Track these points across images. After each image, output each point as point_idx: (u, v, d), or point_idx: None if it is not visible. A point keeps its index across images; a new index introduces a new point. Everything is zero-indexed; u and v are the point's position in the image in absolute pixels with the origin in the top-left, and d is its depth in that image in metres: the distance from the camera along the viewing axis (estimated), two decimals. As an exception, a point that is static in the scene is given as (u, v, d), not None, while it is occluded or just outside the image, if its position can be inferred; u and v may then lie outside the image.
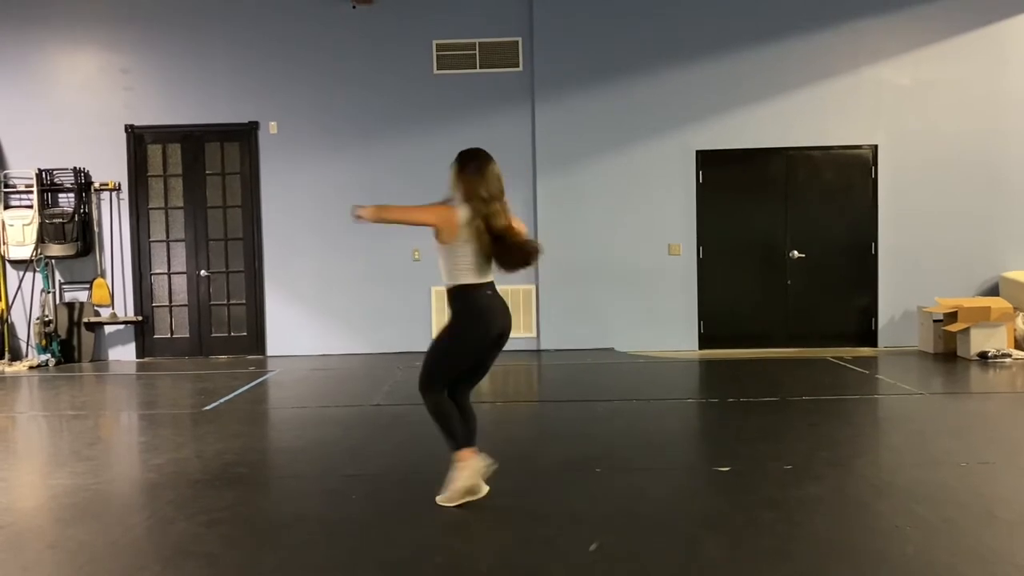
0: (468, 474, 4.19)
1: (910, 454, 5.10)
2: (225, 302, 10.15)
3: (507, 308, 4.23)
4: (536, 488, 4.51)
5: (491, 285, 4.19)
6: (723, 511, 4.07)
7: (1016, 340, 8.82)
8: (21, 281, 9.92)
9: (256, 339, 10.13)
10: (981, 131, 9.63)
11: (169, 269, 10.14)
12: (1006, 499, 4.16)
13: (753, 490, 4.35)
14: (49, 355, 9.62)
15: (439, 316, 9.83)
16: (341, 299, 10.00)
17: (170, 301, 10.16)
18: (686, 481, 4.65)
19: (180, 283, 10.16)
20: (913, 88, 9.67)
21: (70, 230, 9.81)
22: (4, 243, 9.87)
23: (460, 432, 4.21)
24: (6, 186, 9.96)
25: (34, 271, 9.83)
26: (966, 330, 8.69)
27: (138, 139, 10.05)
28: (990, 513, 3.94)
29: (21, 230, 9.86)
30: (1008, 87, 9.63)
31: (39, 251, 9.73)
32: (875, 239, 9.75)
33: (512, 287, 9.63)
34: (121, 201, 10.06)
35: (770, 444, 5.28)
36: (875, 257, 9.76)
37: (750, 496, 4.25)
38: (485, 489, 4.26)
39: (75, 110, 9.99)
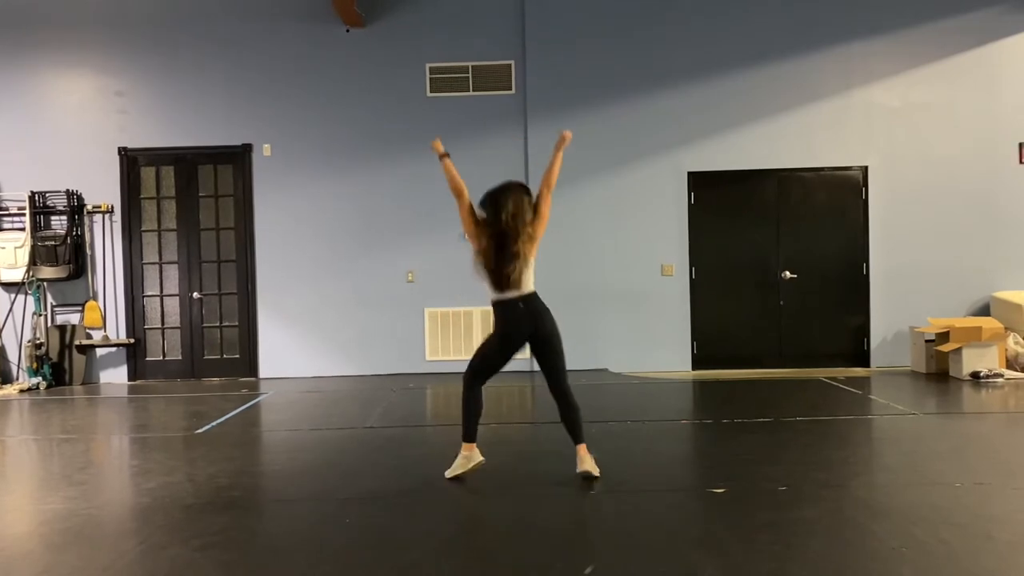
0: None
1: (905, 475, 5.10)
2: (218, 324, 10.13)
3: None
4: (530, 509, 4.49)
5: None
6: (719, 533, 4.05)
7: (1008, 360, 8.85)
8: (12, 304, 9.88)
9: (249, 361, 10.10)
10: (972, 152, 9.72)
11: (161, 291, 10.12)
12: (1002, 520, 4.15)
13: (749, 512, 4.33)
14: (40, 378, 9.56)
15: (432, 338, 9.82)
16: (334, 321, 9.99)
17: (162, 323, 10.14)
18: (681, 503, 4.63)
19: (172, 305, 10.13)
20: (904, 110, 9.76)
21: (62, 252, 9.79)
22: (-4, 266, 9.86)
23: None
24: (-2, 208, 9.97)
25: (26, 294, 9.79)
26: (958, 350, 8.71)
27: (131, 162, 10.06)
28: (987, 534, 3.93)
29: (13, 252, 9.84)
30: (998, 109, 9.73)
31: (31, 273, 9.71)
32: (867, 259, 9.80)
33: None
34: (114, 223, 10.05)
35: (765, 465, 5.27)
36: (867, 277, 9.81)
37: (746, 518, 4.23)
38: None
39: (68, 133, 10.01)
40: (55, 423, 7.60)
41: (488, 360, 5.04)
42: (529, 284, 4.91)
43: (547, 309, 4.95)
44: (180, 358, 10.15)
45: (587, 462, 4.93)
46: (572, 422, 4.99)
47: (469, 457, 5.01)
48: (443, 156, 5.17)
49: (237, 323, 10.12)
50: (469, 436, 5.03)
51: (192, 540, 4.08)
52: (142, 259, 10.11)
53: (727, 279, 9.87)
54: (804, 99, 9.79)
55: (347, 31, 9.92)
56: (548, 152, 9.64)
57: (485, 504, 4.58)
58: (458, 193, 5.04)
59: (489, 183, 5.13)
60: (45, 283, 9.88)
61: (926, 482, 4.85)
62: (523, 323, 4.89)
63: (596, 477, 4.88)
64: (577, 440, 4.99)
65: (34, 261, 9.76)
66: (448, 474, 5.01)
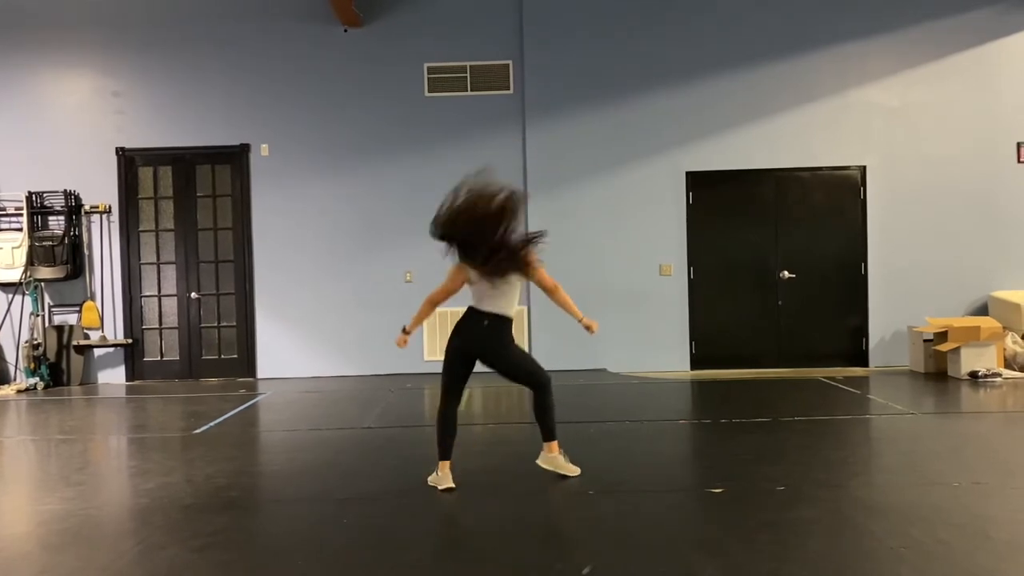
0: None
1: (903, 475, 5.10)
2: (215, 324, 10.12)
3: (477, 330, 4.84)
4: (529, 510, 4.49)
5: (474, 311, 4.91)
6: (717, 534, 4.05)
7: (1006, 359, 8.85)
8: (10, 304, 9.87)
9: (247, 361, 10.09)
10: (970, 152, 9.72)
11: (159, 292, 10.11)
12: (1000, 520, 4.16)
13: (747, 512, 4.33)
14: (38, 378, 9.55)
15: (431, 338, 9.83)
16: (332, 321, 9.98)
17: (160, 324, 10.13)
18: (679, 503, 4.63)
19: (170, 306, 10.12)
20: (901, 110, 9.76)
21: (60, 253, 9.77)
22: (-7, 266, 9.85)
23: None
24: (-4, 209, 9.95)
25: (23, 294, 9.78)
26: (956, 350, 8.72)
27: (129, 162, 10.05)
28: (984, 534, 3.94)
29: (11, 253, 9.83)
30: (997, 108, 9.73)
31: (28, 274, 9.69)
32: (865, 259, 9.81)
33: (504, 308, 9.64)
34: (111, 223, 10.04)
35: (763, 465, 5.27)
36: (865, 277, 9.81)
37: (744, 518, 4.23)
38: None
39: (66, 133, 9.99)
40: (53, 424, 7.59)
41: (446, 375, 4.94)
42: (506, 308, 4.86)
43: (506, 338, 4.87)
44: (178, 358, 10.14)
45: (556, 461, 5.00)
46: (542, 408, 5.01)
47: (443, 478, 4.87)
48: (407, 332, 5.06)
49: (235, 323, 10.11)
50: (444, 455, 4.91)
51: (190, 540, 4.08)
52: (140, 259, 10.10)
53: (725, 279, 9.87)
54: (802, 99, 9.79)
55: (345, 31, 9.91)
56: (546, 152, 9.77)
57: (484, 504, 4.57)
58: (439, 303, 5.02)
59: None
60: (43, 283, 9.86)
61: (924, 482, 4.86)
62: (473, 336, 4.83)
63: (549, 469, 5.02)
64: (547, 436, 5.04)
65: (32, 261, 9.75)
66: (430, 481, 4.93)
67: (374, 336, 9.90)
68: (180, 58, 10.00)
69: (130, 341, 10.00)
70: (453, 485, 4.82)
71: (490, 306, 4.83)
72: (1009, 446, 5.99)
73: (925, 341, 9.14)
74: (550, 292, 5.02)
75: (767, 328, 9.86)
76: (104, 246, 10.04)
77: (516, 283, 4.88)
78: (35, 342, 9.63)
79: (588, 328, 5.13)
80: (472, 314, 4.87)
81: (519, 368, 4.99)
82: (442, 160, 9.81)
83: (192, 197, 10.10)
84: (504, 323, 4.87)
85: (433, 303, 5.00)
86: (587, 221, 9.80)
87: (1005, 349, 8.88)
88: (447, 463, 4.90)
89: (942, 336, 8.91)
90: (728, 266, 9.86)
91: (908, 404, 7.43)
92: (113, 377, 10.09)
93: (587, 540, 4.01)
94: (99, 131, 10.00)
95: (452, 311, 9.73)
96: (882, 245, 9.78)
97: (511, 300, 4.89)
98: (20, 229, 9.87)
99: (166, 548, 4.00)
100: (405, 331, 5.03)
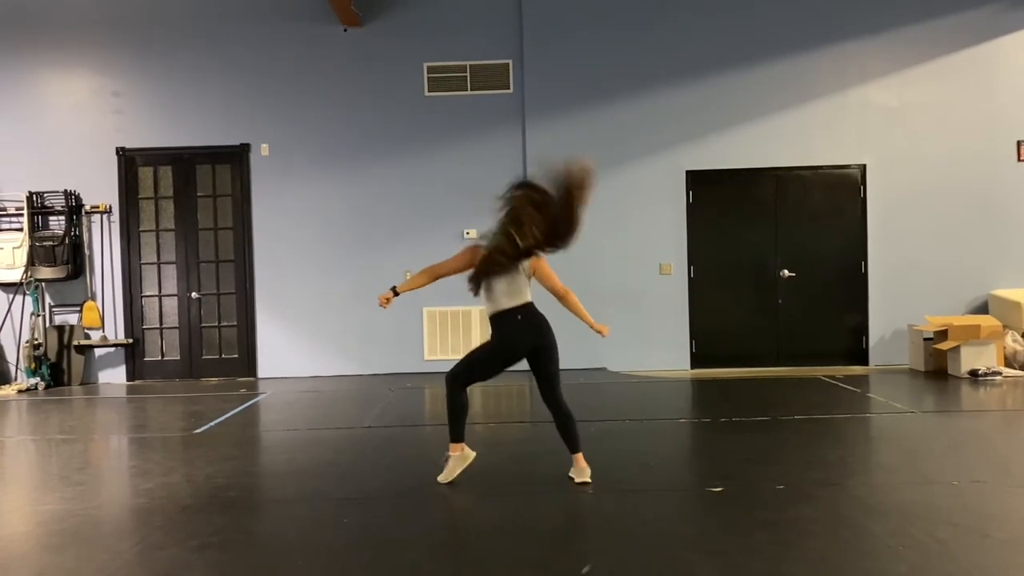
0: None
1: (902, 473, 5.10)
2: (216, 324, 10.12)
3: (523, 327, 4.85)
4: (528, 509, 4.49)
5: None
6: (716, 532, 4.06)
7: (1006, 358, 8.85)
8: (11, 304, 9.87)
9: (247, 361, 10.09)
10: (969, 151, 9.71)
11: (160, 291, 10.11)
12: (998, 518, 4.16)
13: (746, 511, 4.34)
14: (38, 378, 9.55)
15: (431, 337, 9.83)
16: (332, 320, 9.98)
17: (161, 323, 10.13)
18: (679, 502, 4.64)
19: (171, 305, 10.13)
20: (901, 109, 9.76)
21: (60, 253, 9.78)
22: (-6, 266, 9.85)
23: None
24: (-4, 209, 9.96)
25: (24, 294, 9.78)
26: (956, 348, 8.71)
27: (129, 162, 10.06)
28: (983, 532, 3.94)
29: (11, 253, 9.84)
30: (995, 107, 9.72)
31: (29, 274, 9.70)
32: (865, 258, 9.80)
33: (504, 308, 9.64)
34: (112, 223, 10.04)
35: (762, 464, 5.27)
36: (865, 276, 9.81)
37: (743, 517, 4.24)
38: None
39: (66, 133, 10.00)
40: (53, 423, 7.59)
41: (480, 369, 4.96)
42: (525, 295, 4.87)
43: (545, 319, 4.89)
44: (178, 358, 10.14)
45: (585, 472, 4.86)
46: (568, 431, 4.92)
47: (462, 456, 4.94)
48: (396, 293, 5.18)
49: (235, 323, 10.11)
50: (459, 436, 4.93)
51: (189, 541, 4.08)
52: (140, 259, 10.10)
53: (725, 278, 9.86)
54: (801, 98, 9.78)
55: (344, 31, 9.91)
56: (546, 151, 9.67)
57: (483, 504, 4.58)
58: (439, 276, 5.09)
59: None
60: (43, 283, 9.86)
61: (923, 480, 4.86)
62: (524, 335, 4.81)
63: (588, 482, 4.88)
64: (573, 449, 4.92)
65: (32, 261, 9.75)
66: (443, 479, 4.93)
67: (374, 335, 9.91)
68: (180, 58, 10.00)
69: (130, 341, 10.00)
70: (474, 453, 4.90)
71: (510, 301, 4.81)
72: (1008, 445, 5.99)
73: (925, 339, 9.14)
74: (561, 298, 5.01)
75: (767, 327, 9.86)
76: (104, 246, 10.04)
77: (523, 273, 4.88)
78: (36, 342, 9.63)
79: (599, 332, 5.07)
80: (504, 317, 4.82)
81: (557, 369, 4.94)
82: (442, 159, 9.82)
83: (192, 197, 10.11)
84: (534, 310, 4.87)
85: (433, 275, 5.03)
86: (587, 220, 9.73)
87: (1005, 347, 8.88)
88: (462, 443, 4.92)
89: (942, 335, 8.91)
90: (728, 265, 9.85)
91: (908, 403, 7.44)
92: (114, 377, 10.10)
93: (586, 539, 4.02)
94: (99, 131, 10.00)
95: (451, 311, 9.80)
96: (882, 243, 9.77)
97: (526, 287, 4.90)
98: (20, 229, 9.88)
99: (165, 548, 4.00)
100: (395, 291, 5.09)
